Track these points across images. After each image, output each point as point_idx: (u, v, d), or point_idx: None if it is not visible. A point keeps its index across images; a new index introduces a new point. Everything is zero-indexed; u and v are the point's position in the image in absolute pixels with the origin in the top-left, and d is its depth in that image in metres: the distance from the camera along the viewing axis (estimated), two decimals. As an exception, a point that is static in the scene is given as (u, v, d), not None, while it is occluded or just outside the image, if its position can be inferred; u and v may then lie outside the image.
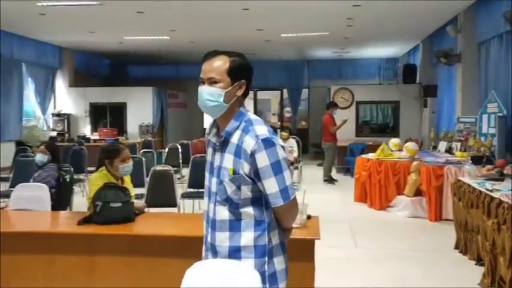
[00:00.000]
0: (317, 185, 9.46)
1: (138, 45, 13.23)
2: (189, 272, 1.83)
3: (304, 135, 15.15)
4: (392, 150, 8.05)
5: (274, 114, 20.30)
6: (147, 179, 5.62)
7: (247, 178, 1.80)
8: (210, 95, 1.84)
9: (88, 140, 12.77)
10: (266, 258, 1.84)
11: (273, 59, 16.01)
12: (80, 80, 14.74)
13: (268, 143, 1.78)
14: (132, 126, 13.91)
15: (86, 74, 15.36)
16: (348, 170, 10.97)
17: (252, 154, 1.77)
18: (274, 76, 16.79)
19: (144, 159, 6.45)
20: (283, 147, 1.85)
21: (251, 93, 17.49)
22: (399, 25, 10.60)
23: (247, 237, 1.84)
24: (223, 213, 1.86)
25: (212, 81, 1.84)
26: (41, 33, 12.00)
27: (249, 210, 1.84)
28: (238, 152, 1.80)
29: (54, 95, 14.15)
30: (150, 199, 4.97)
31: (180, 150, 9.01)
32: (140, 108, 13.93)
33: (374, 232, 6.19)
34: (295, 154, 8.87)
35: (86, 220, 2.98)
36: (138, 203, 3.67)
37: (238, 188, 1.82)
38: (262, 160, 1.77)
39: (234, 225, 1.84)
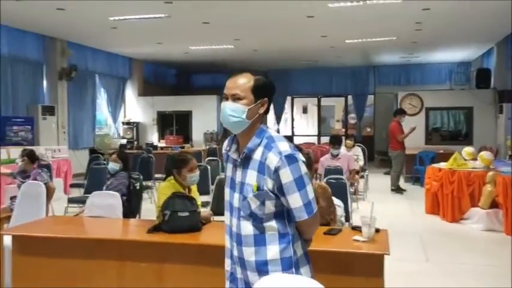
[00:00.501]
0: (384, 195, 9.16)
1: (202, 55, 13.52)
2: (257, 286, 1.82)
3: (369, 142, 14.77)
4: (465, 160, 7.63)
5: (338, 120, 20.02)
6: (212, 187, 5.68)
7: (271, 194, 1.84)
8: (233, 111, 1.87)
9: (155, 147, 13.18)
10: (293, 270, 1.88)
11: (336, 66, 15.80)
12: (148, 89, 15.30)
13: (291, 159, 1.83)
14: (197, 134, 14.23)
15: (153, 84, 15.92)
16: (417, 179, 10.54)
17: (276, 170, 1.82)
18: (338, 82, 16.57)
19: (209, 167, 6.54)
20: (303, 162, 1.86)
21: (315, 100, 17.38)
22: (472, 27, 10.09)
23: (273, 250, 1.87)
24: (247, 228, 1.89)
25: (236, 98, 1.88)
26: (112, 46, 12.59)
27: (272, 224, 1.88)
28: (262, 169, 1.85)
29: (124, 104, 14.77)
30: (215, 207, 4.99)
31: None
32: (205, 116, 14.22)
33: (446, 246, 5.88)
34: (361, 163, 8.63)
35: (155, 228, 3.03)
36: (205, 211, 3.70)
37: (263, 203, 1.85)
38: (286, 176, 1.82)
39: (259, 240, 1.88)
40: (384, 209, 6.04)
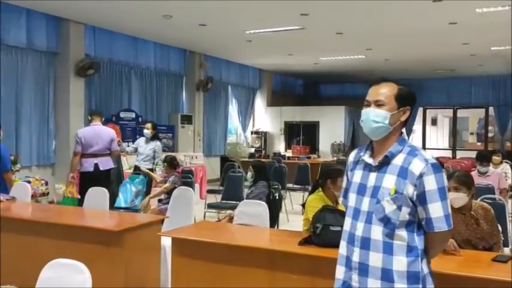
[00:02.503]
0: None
1: (332, 65, 13.45)
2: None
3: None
4: None
5: (472, 133, 18.59)
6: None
7: (409, 200, 1.84)
8: (376, 116, 1.93)
9: (283, 157, 13.36)
10: (420, 286, 1.83)
11: (476, 74, 14.66)
12: (276, 99, 15.63)
13: (437, 168, 1.84)
14: (324, 144, 14.15)
15: (281, 94, 16.22)
16: None
17: (421, 176, 1.82)
18: (477, 92, 15.35)
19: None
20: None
21: (447, 111, 16.30)
22: None
23: (400, 261, 1.84)
24: (377, 232, 1.88)
25: (379, 104, 1.94)
26: (244, 58, 13.09)
27: (403, 233, 1.86)
28: (403, 173, 1.85)
29: (253, 114, 15.26)
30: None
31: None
32: (332, 126, 14.10)
33: None
34: (510, 181, 7.82)
35: (306, 241, 3.01)
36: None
37: (399, 208, 1.85)
38: (431, 183, 1.82)
39: (387, 247, 1.86)
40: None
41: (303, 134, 14.86)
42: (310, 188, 8.65)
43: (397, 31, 9.15)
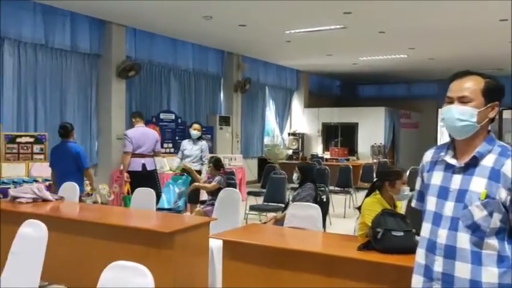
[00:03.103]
0: None
1: (371, 65, 13.18)
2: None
3: None
4: None
5: (516, 135, 17.88)
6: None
7: (501, 206, 1.68)
8: (461, 114, 1.76)
9: (321, 159, 13.17)
10: None
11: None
12: (313, 100, 15.44)
13: None
14: (363, 146, 13.86)
15: (318, 95, 16.02)
16: None
17: None
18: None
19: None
20: None
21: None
22: None
23: (490, 272, 1.68)
24: (463, 241, 1.72)
25: (464, 100, 1.78)
26: (282, 59, 12.98)
27: (493, 242, 1.70)
28: (495, 176, 1.70)
29: (290, 115, 15.11)
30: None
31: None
32: (372, 128, 13.80)
33: None
34: None
35: (366, 246, 2.87)
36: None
37: (490, 214, 1.69)
38: None
39: (475, 257, 1.70)
40: None
41: (341, 136, 14.61)
42: (351, 190, 8.49)
43: (442, 29, 8.83)
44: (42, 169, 6.86)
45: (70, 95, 8.27)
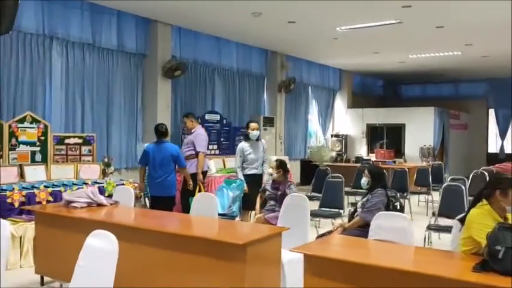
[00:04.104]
0: None
1: (420, 64, 12.60)
2: None
3: None
4: None
5: None
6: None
7: None
8: None
9: (369, 161, 12.65)
10: None
11: None
12: (356, 101, 14.95)
13: None
14: (410, 148, 13.27)
15: (360, 95, 15.51)
16: None
17: None
18: None
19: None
20: None
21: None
22: None
23: None
24: None
25: None
26: (326, 58, 12.57)
27: None
28: None
29: (333, 116, 14.65)
30: None
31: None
32: (420, 129, 13.19)
33: None
34: None
35: (483, 266, 2.46)
36: None
37: None
38: None
39: None
40: None
41: (386, 137, 14.05)
42: (408, 195, 7.99)
43: (503, 23, 8.23)
44: (91, 171, 6.69)
45: (116, 95, 8.10)
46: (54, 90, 7.20)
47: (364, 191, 4.76)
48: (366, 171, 4.71)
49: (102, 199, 4.51)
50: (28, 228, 4.99)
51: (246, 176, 6.26)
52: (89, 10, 7.46)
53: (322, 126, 14.00)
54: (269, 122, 11.27)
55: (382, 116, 13.97)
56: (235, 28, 9.03)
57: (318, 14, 7.93)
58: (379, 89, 16.95)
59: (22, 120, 6.32)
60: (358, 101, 15.01)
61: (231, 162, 9.43)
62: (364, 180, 4.71)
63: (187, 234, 3.39)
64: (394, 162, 12.29)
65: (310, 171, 9.68)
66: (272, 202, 5.16)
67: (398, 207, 4.43)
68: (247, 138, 6.64)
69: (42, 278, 4.38)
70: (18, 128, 6.25)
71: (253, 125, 6.65)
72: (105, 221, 3.95)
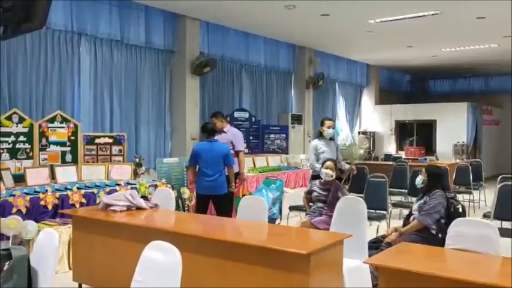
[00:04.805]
0: None
1: (453, 58, 12.15)
2: None
3: None
4: None
5: None
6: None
7: None
8: None
9: (396, 159, 12.25)
10: None
11: None
12: (383, 97, 14.54)
13: None
14: (443, 145, 12.82)
15: (387, 91, 15.10)
16: None
17: None
18: None
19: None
20: None
21: None
22: None
23: None
24: None
25: None
26: (354, 52, 12.20)
27: None
28: None
29: (360, 113, 14.27)
30: None
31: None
32: (452, 126, 12.73)
33: None
34: None
35: None
36: None
37: None
38: None
39: None
40: None
41: (416, 134, 13.61)
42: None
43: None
44: (122, 171, 6.47)
45: (144, 93, 7.87)
46: (83, 89, 7.01)
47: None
48: (424, 171, 4.40)
49: (141, 202, 4.26)
50: (63, 232, 4.77)
51: (316, 177, 5.63)
52: (117, 6, 7.24)
53: (349, 123, 13.63)
54: (297, 119, 10.95)
55: (412, 112, 13.55)
56: (265, 22, 8.73)
57: (354, 6, 7.59)
58: (406, 84, 16.50)
59: (52, 120, 6.12)
60: (385, 97, 14.60)
61: (261, 161, 9.16)
62: (420, 179, 4.40)
63: (245, 243, 3.09)
64: (425, 159, 11.88)
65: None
66: (320, 204, 4.84)
67: (460, 209, 4.09)
68: (320, 135, 6.17)
69: (80, 286, 4.15)
70: (48, 127, 6.05)
71: (328, 122, 6.17)
72: (150, 226, 3.69)
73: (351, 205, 3.92)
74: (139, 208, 4.24)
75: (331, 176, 4.94)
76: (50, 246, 2.49)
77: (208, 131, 5.80)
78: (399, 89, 16.00)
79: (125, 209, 4.14)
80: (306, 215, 5.00)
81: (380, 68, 14.41)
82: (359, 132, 13.92)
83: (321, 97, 12.22)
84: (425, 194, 4.29)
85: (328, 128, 6.08)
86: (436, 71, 14.62)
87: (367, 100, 14.30)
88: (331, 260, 3.08)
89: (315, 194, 5.02)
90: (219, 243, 3.18)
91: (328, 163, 5.04)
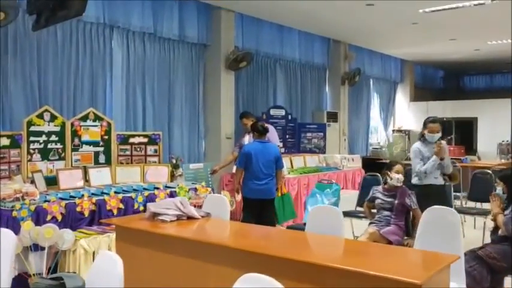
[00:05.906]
0: None
1: (496, 51, 11.46)
2: None
3: None
4: None
5: None
6: None
7: None
8: None
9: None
10: None
11: None
12: (418, 94, 13.89)
13: None
14: (485, 144, 12.15)
15: (422, 87, 14.45)
16: None
17: None
18: None
19: None
20: None
21: None
22: None
23: None
24: None
25: None
26: (388, 47, 11.61)
27: None
28: None
29: (394, 110, 13.65)
30: None
31: None
32: (496, 123, 12.02)
33: None
34: None
35: None
36: None
37: None
38: None
39: None
40: None
41: (455, 132, 12.94)
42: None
43: None
44: (158, 173, 5.98)
45: (177, 88, 7.40)
46: (115, 84, 6.56)
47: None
48: (498, 180, 3.87)
49: (192, 211, 3.77)
50: (102, 242, 4.30)
51: (421, 187, 4.89)
52: (150, -3, 6.77)
53: (383, 121, 13.02)
54: (333, 117, 10.39)
55: (450, 109, 12.88)
56: (301, 13, 8.17)
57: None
58: (440, 80, 15.81)
59: (85, 118, 5.67)
60: (419, 93, 13.95)
61: (298, 161, 8.63)
62: (500, 190, 3.89)
63: (340, 267, 2.54)
64: (467, 159, 11.22)
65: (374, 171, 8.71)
66: (386, 213, 4.30)
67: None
68: (423, 139, 5.19)
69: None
70: (81, 126, 5.60)
71: (434, 126, 5.09)
72: (209, 241, 3.18)
73: (439, 214, 3.36)
74: (190, 217, 3.75)
75: (401, 182, 4.40)
76: (112, 272, 1.99)
77: (259, 130, 5.43)
78: (433, 86, 15.32)
79: (174, 218, 3.65)
80: (370, 224, 4.45)
81: (414, 63, 13.76)
82: (393, 130, 13.30)
83: (355, 94, 11.65)
84: (510, 203, 3.73)
85: (433, 132, 5.05)
86: (473, 66, 13.92)
87: (402, 97, 13.67)
88: (439, 286, 2.54)
89: (378, 201, 4.49)
90: (299, 265, 2.65)
91: (398, 167, 4.49)
